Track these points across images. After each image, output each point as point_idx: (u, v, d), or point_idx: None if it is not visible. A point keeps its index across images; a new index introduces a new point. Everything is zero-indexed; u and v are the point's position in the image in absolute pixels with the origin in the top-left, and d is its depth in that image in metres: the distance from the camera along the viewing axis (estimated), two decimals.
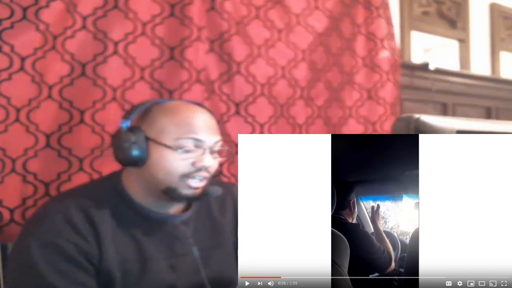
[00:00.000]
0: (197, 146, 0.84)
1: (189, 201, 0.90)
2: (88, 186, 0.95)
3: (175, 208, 0.91)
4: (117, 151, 0.84)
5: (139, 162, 0.83)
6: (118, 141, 0.83)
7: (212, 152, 0.86)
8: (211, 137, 0.86)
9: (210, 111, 0.92)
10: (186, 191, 0.84)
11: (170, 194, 0.84)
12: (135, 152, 0.82)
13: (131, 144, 0.82)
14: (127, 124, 0.85)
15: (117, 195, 0.87)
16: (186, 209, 0.93)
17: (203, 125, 0.85)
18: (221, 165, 1.34)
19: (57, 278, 0.75)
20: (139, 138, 0.82)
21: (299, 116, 1.51)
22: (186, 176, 0.83)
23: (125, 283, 0.81)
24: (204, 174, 0.85)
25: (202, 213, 0.95)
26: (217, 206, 0.99)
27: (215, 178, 0.93)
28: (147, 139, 0.83)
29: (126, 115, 0.87)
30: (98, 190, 0.88)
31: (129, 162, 0.83)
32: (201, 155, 0.84)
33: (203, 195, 0.86)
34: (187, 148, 0.83)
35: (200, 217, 0.95)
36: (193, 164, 0.83)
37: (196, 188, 0.85)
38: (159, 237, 0.87)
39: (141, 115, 0.87)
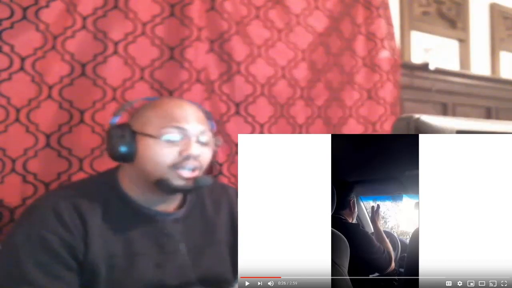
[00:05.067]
0: (182, 136, 0.84)
1: (182, 192, 0.90)
2: (83, 181, 0.96)
3: (169, 206, 0.92)
4: (107, 147, 0.86)
5: (128, 157, 0.84)
6: (107, 137, 0.85)
7: (198, 141, 0.86)
8: (195, 126, 0.86)
9: (205, 109, 0.92)
10: (177, 182, 0.84)
11: (162, 186, 0.84)
12: (122, 147, 0.83)
13: (118, 139, 0.83)
14: (115, 120, 0.87)
15: (111, 191, 0.87)
16: (180, 206, 0.94)
17: (186, 115, 0.86)
18: (220, 165, 1.34)
19: (34, 269, 0.75)
20: (125, 133, 0.83)
21: (299, 116, 1.51)
22: (175, 166, 0.83)
23: (112, 278, 0.81)
24: (194, 163, 0.85)
25: (196, 211, 0.95)
26: (211, 206, 0.98)
27: (213, 178, 0.93)
28: (134, 133, 0.84)
29: (115, 112, 0.89)
30: (92, 185, 0.89)
31: (118, 157, 0.84)
32: (187, 143, 0.84)
33: (196, 186, 0.86)
34: (171, 137, 0.83)
35: (194, 215, 0.94)
36: (180, 153, 0.84)
37: (187, 179, 0.84)
38: (150, 233, 0.87)
39: (130, 112, 0.89)
